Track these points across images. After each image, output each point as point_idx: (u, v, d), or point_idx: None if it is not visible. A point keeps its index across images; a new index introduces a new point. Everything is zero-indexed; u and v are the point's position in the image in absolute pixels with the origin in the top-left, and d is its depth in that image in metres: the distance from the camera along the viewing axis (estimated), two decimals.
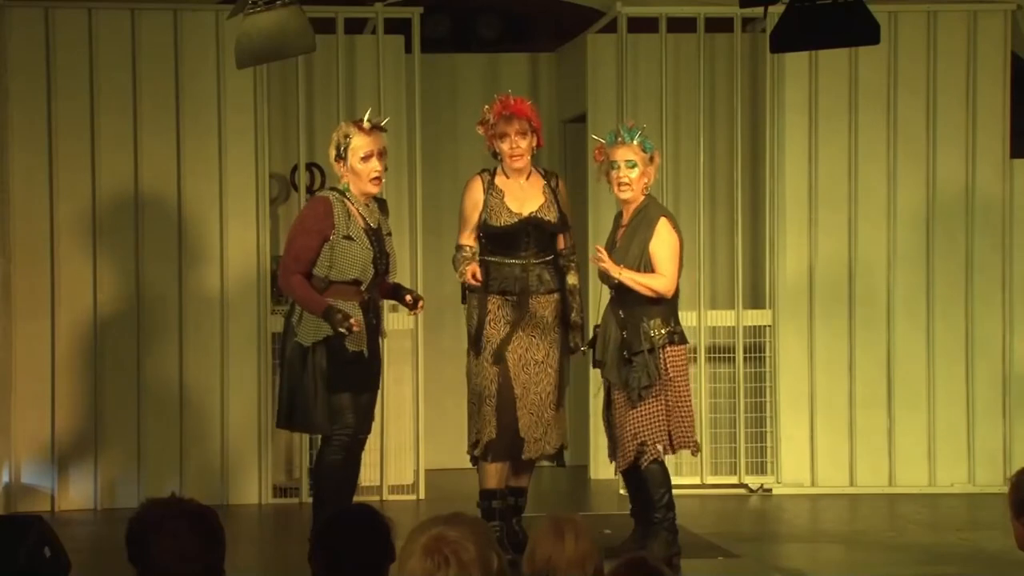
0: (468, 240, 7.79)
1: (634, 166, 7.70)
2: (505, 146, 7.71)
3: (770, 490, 9.91)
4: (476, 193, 7.78)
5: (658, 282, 7.63)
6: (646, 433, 7.62)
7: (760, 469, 9.94)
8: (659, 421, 7.64)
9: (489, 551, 3.37)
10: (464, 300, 7.86)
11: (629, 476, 7.88)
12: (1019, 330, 9.98)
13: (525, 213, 7.74)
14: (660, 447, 7.63)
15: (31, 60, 9.38)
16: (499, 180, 7.79)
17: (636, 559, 3.99)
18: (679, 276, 7.74)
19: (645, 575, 3.94)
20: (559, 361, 7.79)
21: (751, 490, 9.93)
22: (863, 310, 9.93)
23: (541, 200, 7.79)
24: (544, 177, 7.89)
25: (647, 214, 7.74)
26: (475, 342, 7.74)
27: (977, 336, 9.96)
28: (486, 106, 7.79)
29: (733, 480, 9.93)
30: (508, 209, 7.73)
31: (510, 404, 7.66)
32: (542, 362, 7.72)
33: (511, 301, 7.71)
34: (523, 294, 7.70)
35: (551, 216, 7.78)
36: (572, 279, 7.88)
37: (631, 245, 7.69)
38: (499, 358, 7.67)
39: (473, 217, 7.77)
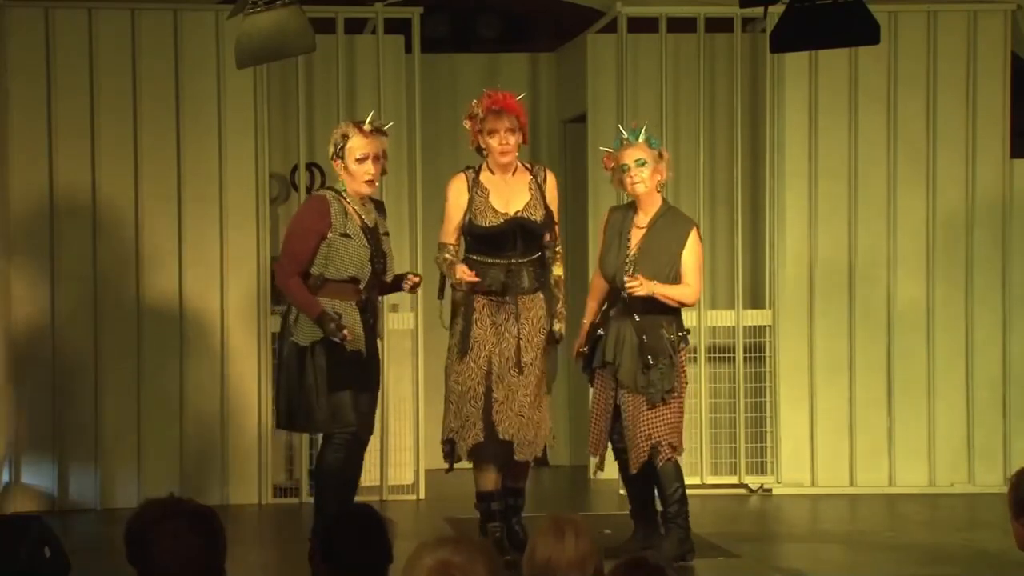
0: (450, 239, 7.71)
1: (644, 163, 7.70)
2: (494, 142, 7.63)
3: (770, 490, 9.91)
4: (460, 192, 7.70)
5: (686, 293, 7.69)
6: (661, 434, 7.63)
7: (760, 469, 9.94)
8: (674, 423, 7.66)
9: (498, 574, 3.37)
10: (440, 295, 7.80)
11: (630, 477, 7.87)
12: (1018, 330, 9.98)
13: (511, 212, 7.65)
14: (674, 448, 7.65)
15: (31, 60, 9.38)
16: (484, 177, 7.70)
17: (637, 559, 3.98)
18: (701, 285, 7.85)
19: (646, 574, 3.93)
20: (542, 360, 7.75)
21: (751, 490, 9.93)
22: (863, 310, 9.93)
23: (527, 198, 7.69)
24: (531, 172, 7.79)
25: (675, 223, 7.74)
26: (461, 343, 7.67)
27: (977, 336, 9.96)
28: (475, 100, 7.74)
29: (733, 480, 9.93)
30: (493, 208, 7.64)
31: (492, 408, 7.62)
32: (530, 364, 7.65)
33: (495, 301, 7.66)
34: (508, 293, 7.65)
35: (537, 215, 7.68)
36: (557, 270, 7.79)
37: (661, 256, 7.68)
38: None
39: (457, 216, 7.69)
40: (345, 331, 7.19)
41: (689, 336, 7.89)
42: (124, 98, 9.48)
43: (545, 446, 7.87)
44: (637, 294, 7.57)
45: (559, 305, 7.76)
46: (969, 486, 9.92)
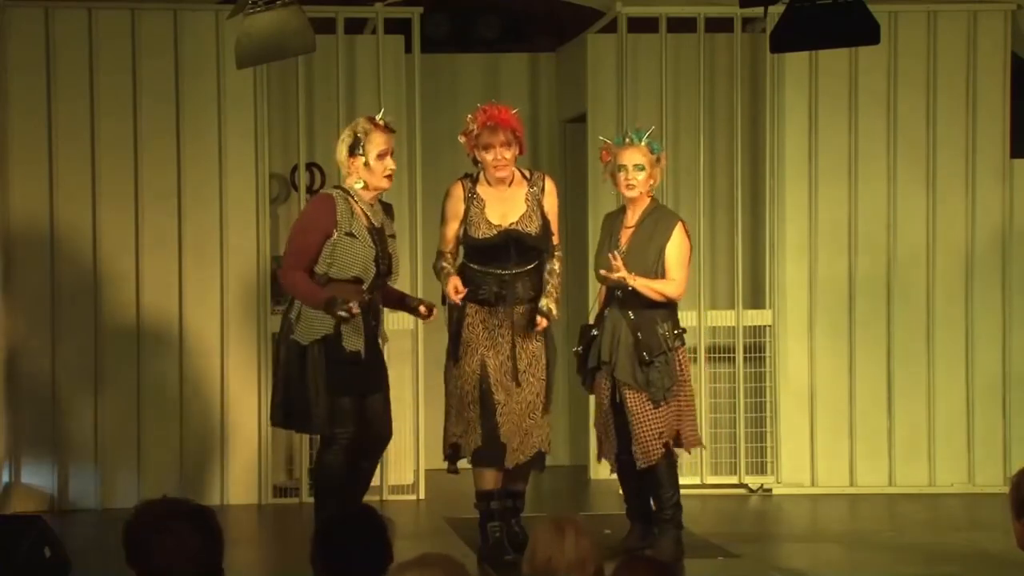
0: (447, 246, 7.77)
1: (642, 169, 7.74)
2: (490, 157, 7.63)
3: (770, 490, 9.91)
4: (456, 202, 7.73)
5: (669, 287, 7.72)
6: (669, 433, 7.68)
7: (760, 469, 9.94)
8: (674, 419, 7.70)
9: None
10: (444, 301, 7.82)
11: (629, 475, 7.88)
12: (1018, 330, 9.97)
13: (505, 225, 7.66)
14: (672, 445, 7.70)
15: (31, 60, 9.38)
16: (481, 188, 7.71)
17: (644, 557, 3.99)
18: (687, 280, 7.85)
19: (653, 572, 3.93)
20: (544, 369, 7.74)
21: (751, 490, 9.93)
22: (863, 310, 9.93)
23: (522, 210, 7.70)
24: (529, 181, 7.78)
25: (661, 218, 7.79)
26: (452, 346, 7.73)
27: (977, 336, 9.95)
28: (469, 116, 7.73)
29: (733, 480, 9.93)
30: (488, 221, 7.66)
31: (491, 410, 7.63)
32: (524, 371, 7.67)
33: (489, 309, 7.68)
34: (501, 304, 7.65)
35: (532, 228, 7.68)
36: (555, 265, 7.77)
37: (647, 250, 7.71)
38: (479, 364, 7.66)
39: (453, 225, 7.74)
40: (351, 304, 7.11)
41: (685, 335, 7.86)
42: (124, 98, 9.47)
43: (543, 455, 7.84)
44: (613, 277, 7.58)
45: (550, 287, 7.69)
46: (969, 486, 9.92)
